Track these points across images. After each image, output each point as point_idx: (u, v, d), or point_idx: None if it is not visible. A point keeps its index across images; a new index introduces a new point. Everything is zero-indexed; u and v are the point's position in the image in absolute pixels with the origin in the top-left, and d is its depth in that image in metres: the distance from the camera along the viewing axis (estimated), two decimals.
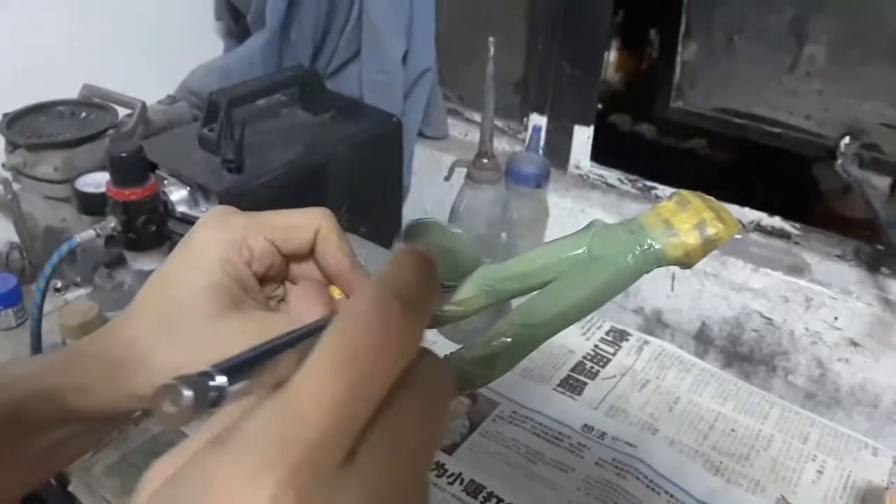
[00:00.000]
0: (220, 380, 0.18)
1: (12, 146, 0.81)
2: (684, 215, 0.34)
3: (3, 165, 0.82)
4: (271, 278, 0.37)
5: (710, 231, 0.33)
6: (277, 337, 0.21)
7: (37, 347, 0.70)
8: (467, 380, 0.36)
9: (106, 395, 0.33)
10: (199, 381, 0.18)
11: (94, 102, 0.88)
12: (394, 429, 0.19)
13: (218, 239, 0.34)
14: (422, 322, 0.21)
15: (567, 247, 0.36)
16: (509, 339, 0.34)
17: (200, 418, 0.18)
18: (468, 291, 0.36)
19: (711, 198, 0.35)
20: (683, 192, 0.35)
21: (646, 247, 0.34)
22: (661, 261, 0.34)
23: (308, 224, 0.35)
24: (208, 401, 0.18)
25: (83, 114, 0.87)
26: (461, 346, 0.35)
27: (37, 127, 0.83)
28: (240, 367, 0.19)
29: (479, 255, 0.24)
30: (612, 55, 1.11)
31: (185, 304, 0.33)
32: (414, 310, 0.20)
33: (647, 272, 0.35)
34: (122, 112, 0.88)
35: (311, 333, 0.21)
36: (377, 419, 0.19)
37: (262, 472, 0.17)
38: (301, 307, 0.26)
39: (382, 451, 0.19)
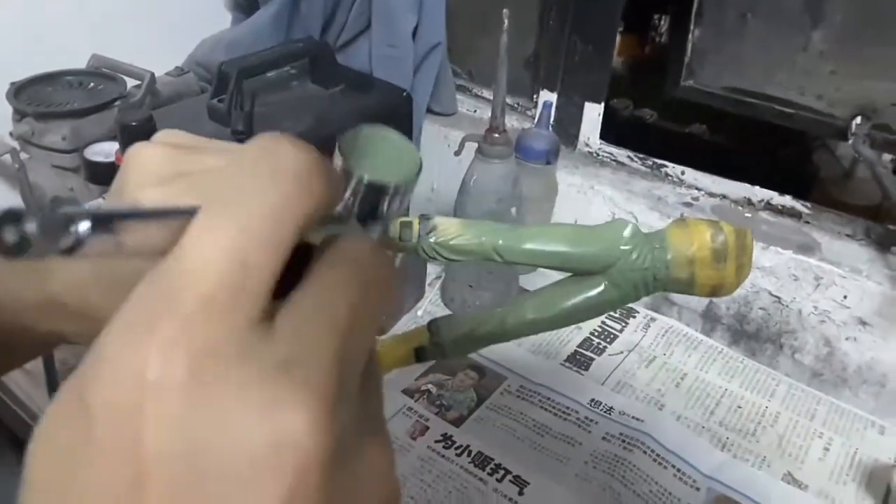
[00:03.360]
0: (82, 225, 0.16)
1: (20, 115, 0.81)
2: (707, 245, 0.34)
3: (11, 134, 0.82)
4: None
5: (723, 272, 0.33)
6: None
7: None
8: (441, 351, 0.36)
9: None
10: (48, 214, 0.15)
11: (102, 73, 0.87)
12: (316, 293, 0.18)
13: None
14: (327, 175, 0.19)
15: (584, 284, 0.35)
16: (492, 331, 0.34)
17: (46, 258, 0.16)
18: (464, 231, 0.35)
19: (747, 238, 0.35)
20: (724, 225, 0.35)
21: (660, 276, 0.34)
22: (667, 286, 0.35)
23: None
24: (58, 240, 0.15)
25: (91, 84, 0.86)
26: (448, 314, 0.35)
27: (45, 96, 0.82)
28: (105, 216, 0.17)
29: (418, 154, 0.23)
30: (622, 36, 1.10)
31: None
32: (314, 159, 0.19)
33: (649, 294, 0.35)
34: (131, 83, 0.87)
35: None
36: (298, 285, 0.18)
37: (143, 335, 0.15)
38: None
39: (304, 315, 0.17)
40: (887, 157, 0.84)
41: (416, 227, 0.34)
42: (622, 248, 0.34)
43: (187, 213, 0.17)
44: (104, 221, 0.17)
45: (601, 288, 0.34)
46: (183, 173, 0.26)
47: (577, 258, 0.35)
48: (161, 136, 0.26)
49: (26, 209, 0.15)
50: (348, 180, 0.22)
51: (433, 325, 0.37)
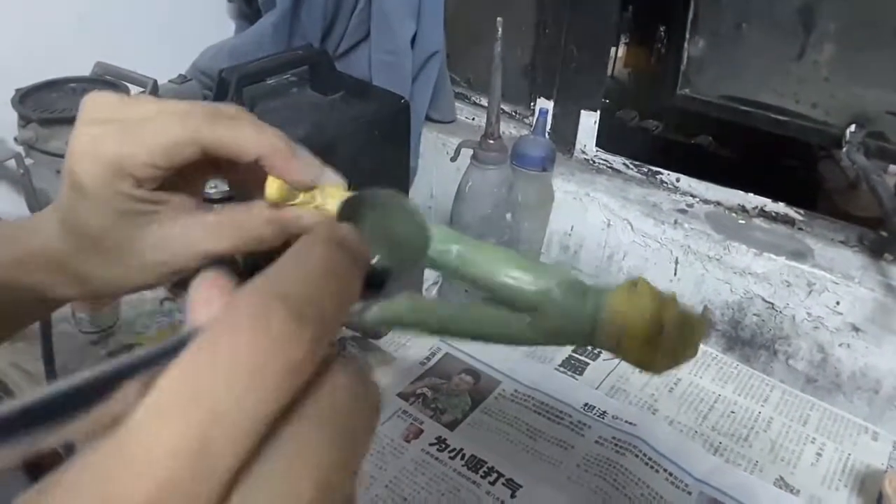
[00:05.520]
0: None
1: (25, 121, 0.82)
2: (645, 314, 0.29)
3: (16, 140, 0.83)
4: (193, 169, 0.33)
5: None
6: (110, 365, 0.16)
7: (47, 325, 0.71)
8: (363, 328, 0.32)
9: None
10: None
11: (106, 80, 0.89)
12: (278, 467, 0.16)
13: (93, 173, 0.31)
14: (322, 332, 0.17)
15: (511, 317, 0.31)
16: (414, 326, 0.31)
17: None
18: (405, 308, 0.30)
19: (697, 329, 0.30)
20: (671, 308, 0.29)
21: (586, 334, 0.30)
22: (596, 345, 0.30)
23: (189, 138, 0.31)
24: None
25: (95, 91, 0.87)
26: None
27: (49, 102, 0.84)
28: (8, 425, 0.14)
29: (429, 234, 0.20)
30: (619, 49, 1.11)
31: (98, 241, 0.33)
32: (310, 318, 0.16)
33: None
34: (134, 90, 0.88)
35: (166, 353, 0.17)
36: (263, 452, 0.16)
37: None
38: (193, 306, 0.20)
39: (267, 495, 0.15)
40: (888, 167, 0.85)
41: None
42: (551, 298, 0.30)
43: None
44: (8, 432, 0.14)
45: (524, 326, 0.31)
46: (116, 119, 0.31)
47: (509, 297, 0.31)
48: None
49: None
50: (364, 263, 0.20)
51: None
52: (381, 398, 0.18)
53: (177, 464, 0.14)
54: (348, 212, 0.20)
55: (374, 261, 0.20)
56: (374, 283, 0.21)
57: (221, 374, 0.15)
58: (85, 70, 0.90)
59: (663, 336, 0.29)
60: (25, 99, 0.83)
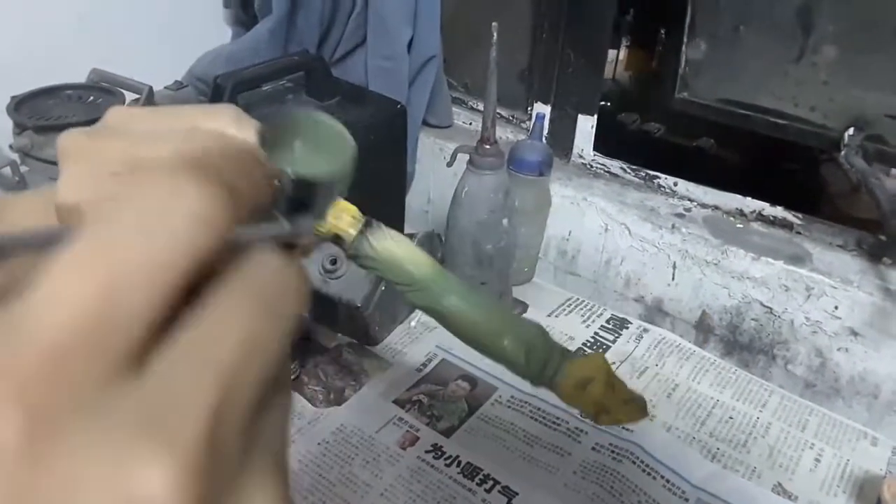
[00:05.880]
0: None
1: (20, 128, 0.82)
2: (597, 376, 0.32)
3: (11, 147, 0.83)
4: None
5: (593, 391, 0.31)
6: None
7: None
8: (360, 260, 0.32)
9: None
10: None
11: (101, 87, 0.89)
12: (198, 328, 0.15)
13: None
14: (233, 194, 0.17)
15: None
16: (405, 275, 0.31)
17: None
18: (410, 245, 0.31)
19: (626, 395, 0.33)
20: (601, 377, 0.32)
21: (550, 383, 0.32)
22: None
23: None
24: None
25: (91, 98, 0.87)
26: None
27: (44, 110, 0.84)
28: None
29: (349, 143, 0.20)
30: (621, 52, 1.11)
31: None
32: (215, 175, 0.16)
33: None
34: (130, 97, 0.88)
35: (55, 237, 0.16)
36: (185, 320, 0.16)
37: None
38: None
39: (180, 357, 0.15)
40: (887, 170, 0.84)
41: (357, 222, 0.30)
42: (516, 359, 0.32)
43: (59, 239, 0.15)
44: None
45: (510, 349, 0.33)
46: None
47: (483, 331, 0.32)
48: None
49: None
50: (272, 173, 0.20)
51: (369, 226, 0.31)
52: (307, 284, 0.18)
53: (81, 314, 0.14)
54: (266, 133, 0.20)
55: (290, 171, 0.20)
56: (300, 192, 0.21)
57: (126, 221, 0.15)
58: (81, 76, 0.90)
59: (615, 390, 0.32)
60: (21, 106, 0.83)
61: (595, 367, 0.32)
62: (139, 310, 0.15)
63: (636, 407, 0.33)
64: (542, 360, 0.32)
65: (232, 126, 0.21)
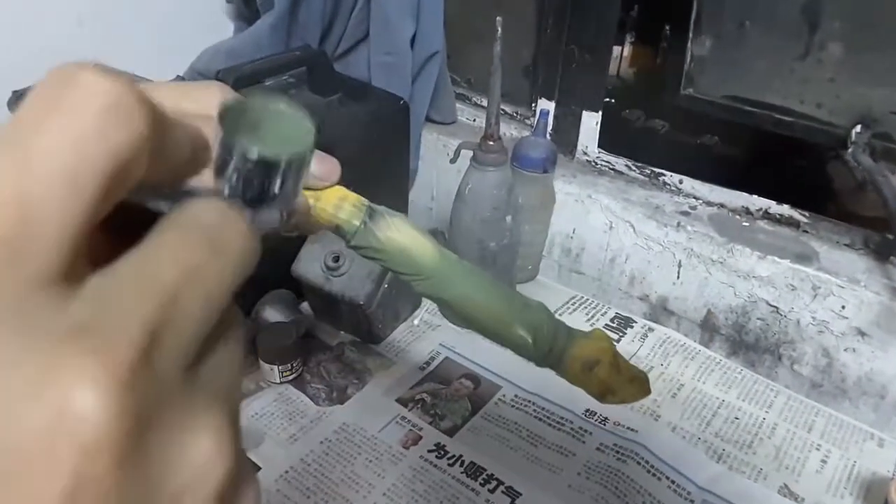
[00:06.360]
0: None
1: None
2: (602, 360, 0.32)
3: None
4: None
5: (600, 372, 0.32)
6: None
7: None
8: (364, 249, 0.32)
9: None
10: None
11: None
12: (139, 254, 0.15)
13: None
14: (145, 107, 0.16)
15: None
16: (408, 261, 0.31)
17: None
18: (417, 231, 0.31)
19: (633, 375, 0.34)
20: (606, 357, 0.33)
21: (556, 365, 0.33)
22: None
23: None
24: None
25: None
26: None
27: None
28: None
29: (310, 125, 0.20)
30: (625, 48, 1.10)
31: None
32: (129, 89, 0.16)
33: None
34: None
35: None
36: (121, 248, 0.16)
37: None
38: None
39: (118, 277, 0.15)
40: (894, 168, 0.83)
41: (363, 211, 0.30)
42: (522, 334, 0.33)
43: None
44: None
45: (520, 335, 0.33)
46: None
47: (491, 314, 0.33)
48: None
49: None
50: (229, 156, 0.20)
51: (373, 213, 0.31)
52: (255, 238, 0.18)
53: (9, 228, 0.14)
54: (223, 116, 0.19)
55: (252, 153, 0.20)
56: (259, 175, 0.20)
57: (36, 135, 0.14)
58: None
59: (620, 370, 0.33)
60: (21, 100, 0.82)
61: (600, 349, 0.33)
62: (60, 210, 0.14)
63: (640, 385, 0.34)
64: (548, 341, 0.33)
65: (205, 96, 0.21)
